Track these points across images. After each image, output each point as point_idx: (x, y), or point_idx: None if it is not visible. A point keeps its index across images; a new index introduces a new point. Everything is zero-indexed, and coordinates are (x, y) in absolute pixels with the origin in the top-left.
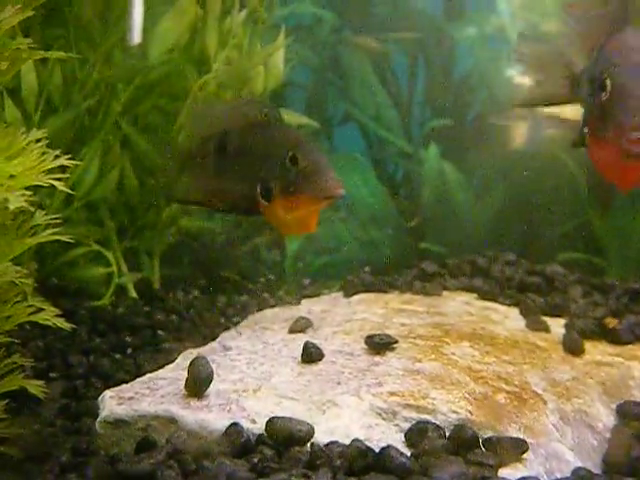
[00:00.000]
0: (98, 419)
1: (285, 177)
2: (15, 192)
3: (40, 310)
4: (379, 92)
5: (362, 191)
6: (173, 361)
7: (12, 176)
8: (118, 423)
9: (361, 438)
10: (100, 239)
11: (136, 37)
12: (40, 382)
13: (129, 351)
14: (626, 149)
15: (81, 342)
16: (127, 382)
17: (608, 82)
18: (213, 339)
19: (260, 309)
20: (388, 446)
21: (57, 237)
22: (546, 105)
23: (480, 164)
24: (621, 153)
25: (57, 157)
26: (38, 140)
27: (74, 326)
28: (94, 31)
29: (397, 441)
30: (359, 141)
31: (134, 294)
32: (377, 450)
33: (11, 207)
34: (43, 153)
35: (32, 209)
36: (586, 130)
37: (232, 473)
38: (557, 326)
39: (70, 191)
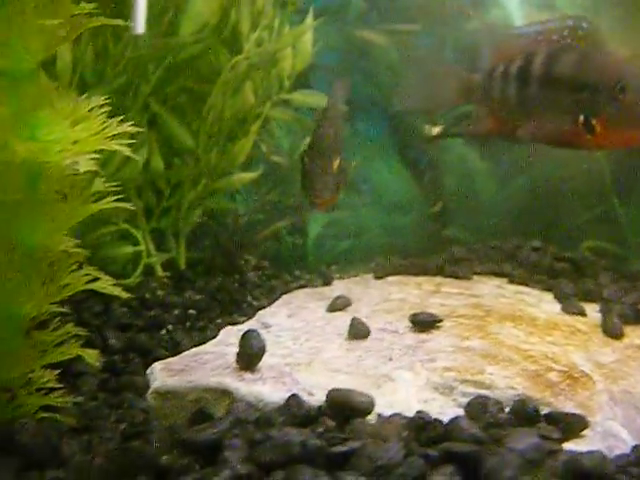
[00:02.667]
0: (149, 391)
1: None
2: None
3: (96, 279)
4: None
5: (386, 177)
6: (215, 337)
7: (76, 142)
8: (170, 395)
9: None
10: (127, 219)
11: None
12: (95, 351)
13: (164, 328)
14: None
15: (116, 318)
16: (166, 358)
17: None
18: (249, 318)
19: (288, 291)
20: (457, 417)
21: (118, 205)
22: None
23: (504, 151)
24: None
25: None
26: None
27: (130, 295)
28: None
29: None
30: (383, 126)
31: (162, 273)
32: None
33: (81, 170)
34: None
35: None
36: None
37: (305, 441)
38: (591, 310)
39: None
